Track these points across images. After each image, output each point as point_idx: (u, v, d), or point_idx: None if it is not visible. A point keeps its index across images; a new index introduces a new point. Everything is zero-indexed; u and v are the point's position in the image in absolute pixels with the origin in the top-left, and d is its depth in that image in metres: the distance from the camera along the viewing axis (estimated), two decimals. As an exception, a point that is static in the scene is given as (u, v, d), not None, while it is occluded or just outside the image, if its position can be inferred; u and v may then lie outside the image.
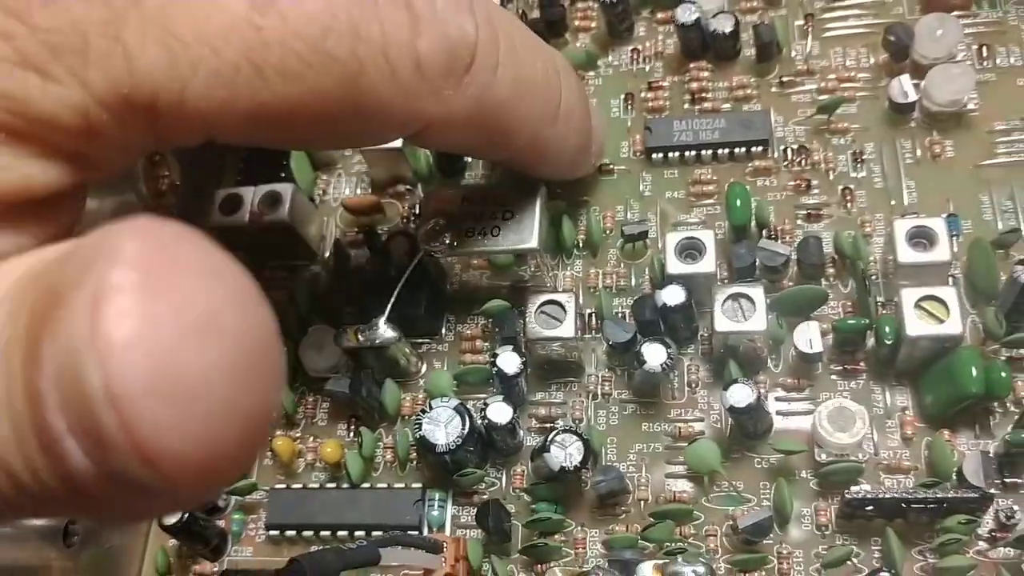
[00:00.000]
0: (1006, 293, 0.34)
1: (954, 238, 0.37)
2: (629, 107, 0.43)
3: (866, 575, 0.31)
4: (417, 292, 0.38)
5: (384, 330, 0.36)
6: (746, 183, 0.39)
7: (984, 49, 0.41)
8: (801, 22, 0.43)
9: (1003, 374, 0.33)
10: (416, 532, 0.35)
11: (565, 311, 0.36)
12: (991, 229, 0.37)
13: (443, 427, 0.35)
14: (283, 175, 0.42)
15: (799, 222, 0.39)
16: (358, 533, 0.36)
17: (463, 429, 0.34)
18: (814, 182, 0.39)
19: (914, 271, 0.34)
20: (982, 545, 0.33)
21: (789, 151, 0.40)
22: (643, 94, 0.43)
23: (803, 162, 0.40)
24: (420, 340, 0.39)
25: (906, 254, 0.34)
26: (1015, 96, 0.39)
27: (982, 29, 0.41)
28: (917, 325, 0.33)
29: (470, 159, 0.42)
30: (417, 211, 0.42)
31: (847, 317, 0.36)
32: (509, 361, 0.35)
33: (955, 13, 0.41)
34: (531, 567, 0.35)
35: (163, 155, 0.41)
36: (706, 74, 0.42)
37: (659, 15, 0.44)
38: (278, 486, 0.38)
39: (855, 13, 0.43)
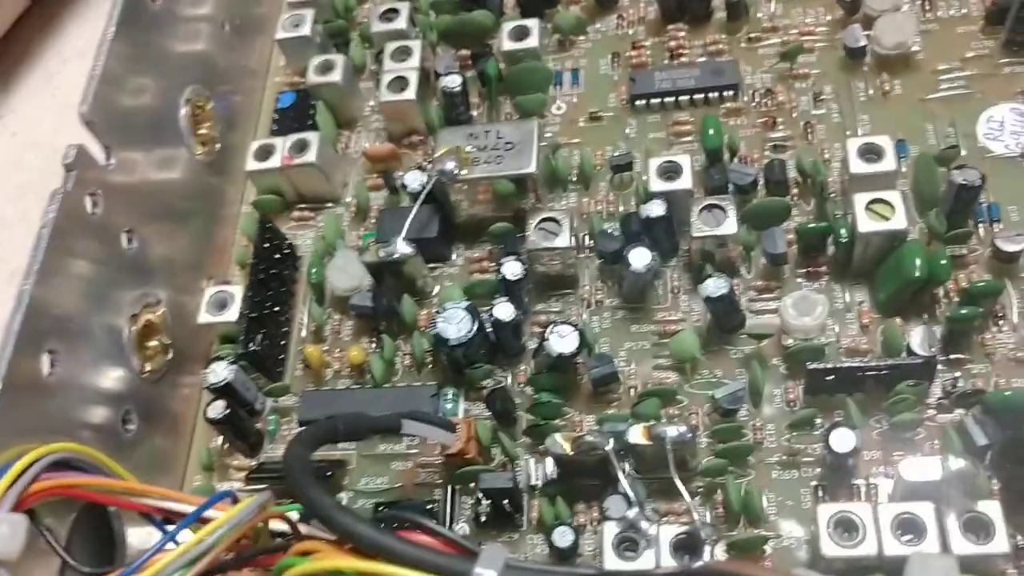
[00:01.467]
0: (945, 196, 0.39)
1: (902, 160, 0.42)
2: (615, 65, 0.48)
3: (825, 428, 0.36)
4: (430, 221, 0.43)
5: (402, 246, 0.41)
6: (721, 122, 0.44)
7: (928, 2, 0.46)
8: (767, -14, 0.48)
9: (943, 261, 0.37)
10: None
11: (561, 225, 0.41)
12: (933, 151, 0.42)
13: (455, 324, 0.39)
14: (310, 125, 0.48)
15: (767, 153, 0.44)
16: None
17: (472, 325, 0.39)
18: (779, 120, 0.44)
19: (865, 180, 0.39)
20: (931, 412, 0.37)
21: (757, 94, 0.45)
22: (628, 53, 0.48)
23: (769, 103, 0.45)
24: (433, 264, 0.44)
25: (857, 166, 0.39)
26: (955, 42, 0.45)
27: (926, -14, 0.47)
28: (868, 223, 0.38)
29: (475, 112, 0.48)
30: (431, 155, 0.47)
31: (808, 222, 0.40)
32: (512, 268, 0.40)
33: (901, -25, 0.47)
34: (534, 447, 0.39)
35: (204, 109, 0.46)
36: (683, 34, 0.48)
37: (640, -18, 0.50)
38: (309, 389, 0.42)
39: (815, -23, 0.48)
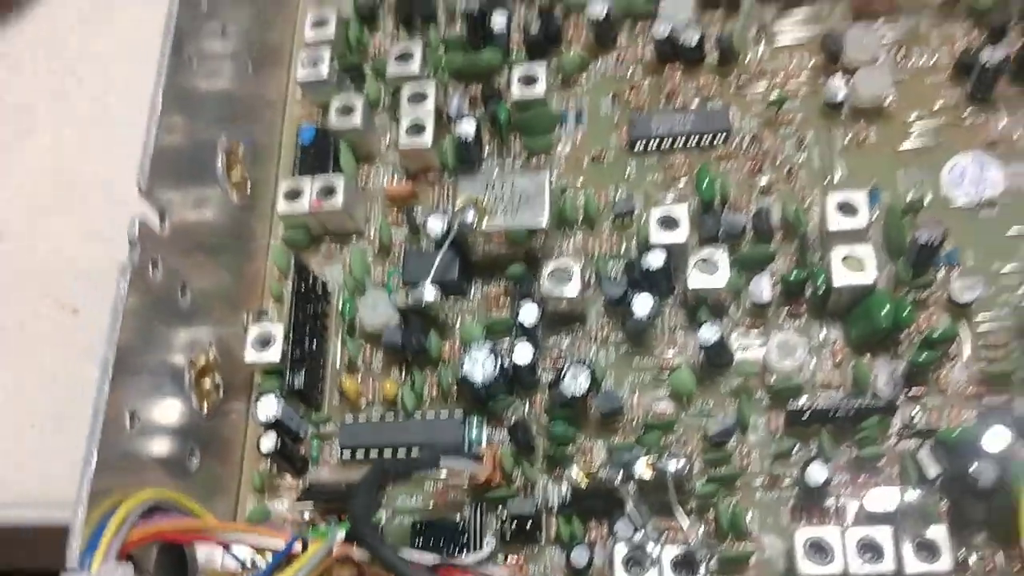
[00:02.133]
0: (911, 248, 0.44)
1: (875, 206, 0.47)
2: (615, 105, 0.52)
3: (801, 460, 0.42)
4: (451, 263, 0.48)
5: (429, 293, 0.46)
6: (711, 166, 0.49)
7: (900, 52, 0.50)
8: (755, 32, 0.52)
9: (908, 309, 0.43)
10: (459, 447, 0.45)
11: (571, 274, 0.46)
12: (903, 198, 0.47)
13: (479, 366, 0.44)
14: (333, 167, 0.52)
15: (754, 196, 0.49)
16: (413, 452, 0.46)
17: (495, 366, 0.44)
18: (765, 165, 0.49)
19: (841, 235, 0.44)
20: (893, 440, 0.43)
21: (746, 139, 0.50)
22: (626, 94, 0.52)
23: (757, 149, 0.50)
24: (453, 297, 0.49)
25: (834, 223, 0.44)
26: (924, 92, 0.49)
27: (899, 34, 0.51)
28: (842, 276, 0.43)
29: (487, 149, 0.52)
30: (447, 193, 0.51)
31: (791, 271, 0.45)
32: (529, 313, 0.45)
33: (878, 20, 0.51)
34: (551, 471, 0.45)
35: (237, 155, 0.50)
36: (678, 76, 0.52)
37: (639, 23, 0.53)
38: (347, 418, 0.47)
39: (799, 23, 0.52)
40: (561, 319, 0.47)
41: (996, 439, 0.39)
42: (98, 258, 0.55)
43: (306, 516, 0.46)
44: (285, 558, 0.37)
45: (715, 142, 0.50)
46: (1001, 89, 0.48)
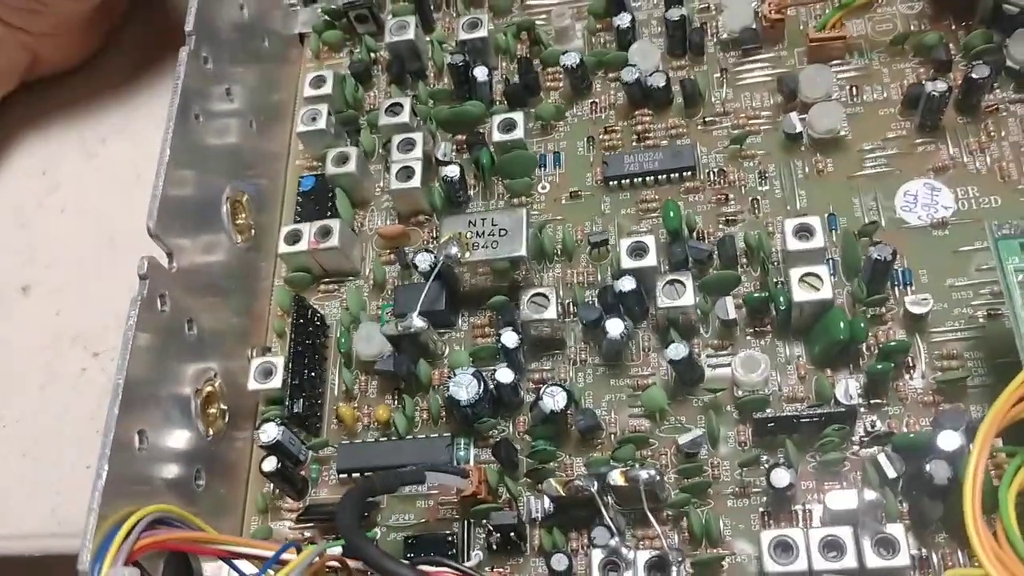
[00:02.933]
0: (865, 267, 0.47)
1: (833, 231, 0.50)
2: (591, 147, 0.56)
3: (767, 467, 0.44)
4: (438, 295, 0.51)
5: (417, 321, 0.49)
6: (680, 199, 0.53)
7: (855, 88, 0.54)
8: (719, 74, 0.56)
9: (862, 324, 0.46)
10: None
11: (548, 300, 0.49)
12: (860, 223, 0.50)
13: (464, 388, 0.47)
14: (330, 212, 0.56)
15: (720, 226, 0.52)
16: (410, 468, 0.48)
17: (479, 388, 0.47)
18: (731, 196, 0.53)
19: (799, 256, 0.47)
20: (855, 448, 0.45)
21: (712, 173, 0.53)
22: (601, 136, 0.56)
23: (722, 181, 0.53)
24: (442, 329, 0.52)
25: (792, 244, 0.48)
26: (877, 123, 0.53)
27: (853, 73, 0.54)
28: (801, 294, 0.46)
29: (472, 192, 0.56)
30: (436, 234, 0.55)
31: (752, 292, 0.48)
32: (509, 338, 0.48)
33: (832, 62, 0.55)
34: (534, 486, 0.48)
35: (241, 202, 0.54)
36: (648, 118, 0.56)
37: (610, 74, 0.57)
38: (344, 442, 0.50)
39: (759, 66, 0.56)
40: (542, 344, 0.51)
41: (949, 440, 0.42)
42: (120, 305, 0.59)
43: (306, 535, 0.49)
44: (277, 562, 0.39)
45: (683, 176, 0.53)
46: (948, 118, 0.51)
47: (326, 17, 0.63)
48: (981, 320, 0.47)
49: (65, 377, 0.60)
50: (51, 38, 0.67)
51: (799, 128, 0.52)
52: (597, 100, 0.57)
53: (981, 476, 0.36)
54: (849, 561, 0.41)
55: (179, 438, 0.46)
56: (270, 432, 0.48)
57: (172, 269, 0.47)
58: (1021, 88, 0.51)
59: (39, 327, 0.62)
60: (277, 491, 0.50)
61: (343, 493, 0.43)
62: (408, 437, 0.50)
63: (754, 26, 0.56)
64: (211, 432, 0.48)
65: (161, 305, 0.46)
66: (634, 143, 0.55)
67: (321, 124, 0.57)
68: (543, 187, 0.55)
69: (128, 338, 0.43)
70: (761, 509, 0.45)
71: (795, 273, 0.46)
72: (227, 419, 0.50)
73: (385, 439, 0.50)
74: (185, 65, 0.50)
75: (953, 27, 0.54)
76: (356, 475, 0.49)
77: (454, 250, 0.50)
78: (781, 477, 0.43)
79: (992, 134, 0.51)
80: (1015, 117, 0.51)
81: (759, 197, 0.52)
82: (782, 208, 0.52)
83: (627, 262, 0.49)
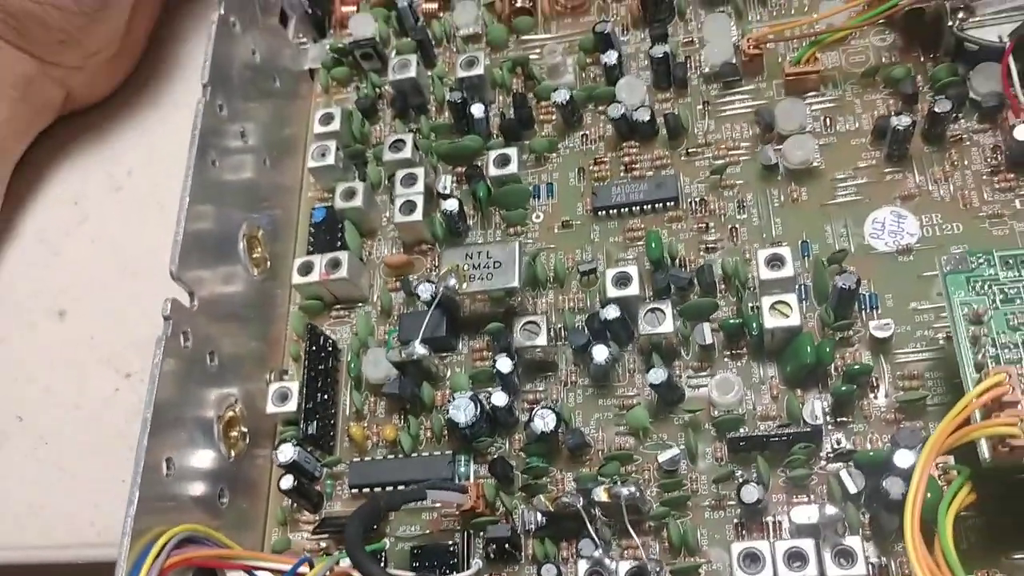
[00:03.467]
0: (832, 294, 0.51)
1: (806, 257, 0.54)
2: (581, 177, 0.60)
3: (738, 483, 0.48)
4: (439, 322, 0.55)
5: (419, 348, 0.54)
6: (664, 228, 0.56)
7: (828, 119, 0.57)
8: (701, 106, 0.60)
9: (828, 349, 0.49)
10: (450, 483, 0.53)
11: (540, 327, 0.53)
12: (832, 250, 0.54)
13: (462, 411, 0.52)
14: (339, 243, 0.60)
15: (701, 253, 0.56)
16: (412, 487, 0.53)
17: (476, 411, 0.52)
18: (711, 224, 0.56)
19: (771, 284, 0.51)
20: (823, 463, 0.49)
21: (693, 203, 0.57)
22: (591, 167, 0.60)
23: (703, 210, 0.57)
24: (444, 353, 0.57)
25: (764, 273, 0.51)
26: (849, 152, 0.56)
27: (828, 104, 0.58)
28: (771, 320, 0.50)
29: (471, 222, 0.60)
30: (437, 263, 0.59)
31: (728, 318, 0.52)
32: (504, 363, 0.52)
33: (808, 93, 0.58)
34: (528, 500, 0.52)
35: (257, 237, 0.59)
36: (634, 150, 0.59)
37: (600, 107, 0.61)
38: (355, 459, 0.55)
39: (739, 98, 0.59)
40: (536, 367, 0.55)
41: (904, 458, 0.45)
42: (148, 329, 0.64)
43: (322, 545, 0.54)
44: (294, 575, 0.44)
45: (667, 206, 0.57)
46: (916, 148, 0.55)
47: (334, 55, 0.67)
48: (941, 342, 0.50)
49: (99, 397, 0.65)
50: (81, 72, 0.71)
51: (774, 160, 0.56)
52: (587, 132, 0.61)
53: (920, 499, 0.39)
54: (811, 571, 0.45)
55: (204, 461, 0.51)
56: (287, 452, 0.53)
57: (193, 307, 0.51)
58: (983, 119, 0.54)
59: (74, 350, 0.67)
60: (295, 505, 0.55)
61: (352, 512, 0.48)
62: (413, 455, 0.54)
63: (734, 60, 0.59)
64: (233, 454, 0.53)
65: (184, 341, 0.50)
66: (622, 173, 0.59)
67: (330, 160, 0.61)
68: (537, 216, 0.59)
69: (155, 375, 0.48)
70: (735, 520, 0.49)
71: (767, 301, 0.50)
72: (248, 440, 0.54)
73: (392, 456, 0.55)
74: (201, 116, 0.55)
75: (922, 59, 0.57)
76: (367, 490, 0.54)
77: (452, 281, 0.54)
78: (750, 493, 0.47)
79: (956, 163, 0.54)
80: (978, 147, 0.54)
81: (737, 225, 0.56)
82: (759, 236, 0.55)
83: (612, 291, 0.53)
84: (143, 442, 0.46)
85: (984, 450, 0.41)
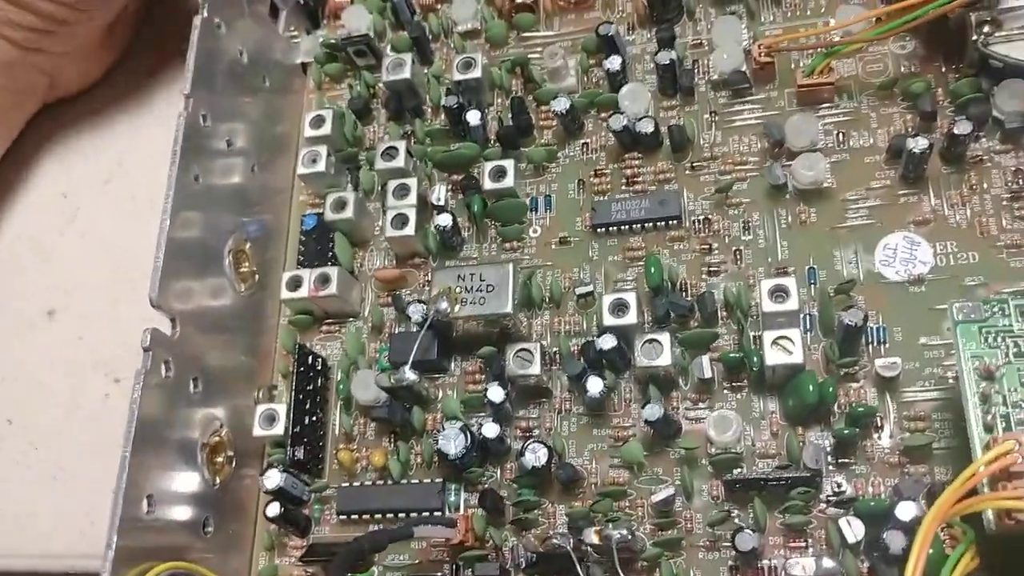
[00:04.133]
0: (838, 329, 0.48)
1: (812, 285, 0.51)
2: (581, 190, 0.57)
3: (733, 529, 0.47)
4: (431, 345, 0.54)
5: (409, 374, 0.52)
6: (665, 247, 0.54)
7: (841, 135, 0.54)
8: (708, 116, 0.57)
9: (831, 388, 0.47)
10: (439, 513, 0.51)
11: (533, 355, 0.51)
12: (841, 277, 0.51)
13: (452, 442, 0.50)
14: (331, 255, 0.58)
15: (704, 276, 0.53)
16: (400, 515, 0.52)
17: (466, 442, 0.50)
18: (715, 246, 0.54)
19: (773, 316, 0.49)
20: (822, 506, 0.48)
21: (697, 222, 0.55)
22: (591, 180, 0.57)
23: (706, 230, 0.54)
24: (435, 374, 0.55)
25: (767, 305, 0.49)
26: (862, 171, 0.53)
27: (841, 117, 0.55)
28: (773, 357, 0.48)
29: (466, 236, 0.57)
30: (431, 277, 0.57)
31: (728, 351, 0.50)
32: (496, 393, 0.51)
33: (821, 105, 0.55)
34: (519, 533, 0.51)
35: (244, 251, 0.57)
36: (637, 162, 0.57)
37: (602, 114, 0.58)
38: (343, 484, 0.54)
39: (748, 108, 0.56)
40: (529, 393, 0.53)
41: (906, 510, 0.44)
42: (140, 329, 0.63)
43: (309, 571, 0.53)
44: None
45: (669, 225, 0.54)
46: (933, 168, 0.52)
47: (327, 50, 0.64)
48: (951, 381, 0.48)
49: (90, 403, 0.64)
50: (68, 58, 0.69)
51: (783, 179, 0.53)
52: (588, 141, 0.58)
53: (921, 570, 0.38)
54: (806, 623, 0.44)
55: (188, 490, 0.50)
56: (273, 479, 0.52)
57: (175, 335, 0.50)
58: (1006, 139, 0.51)
59: (64, 352, 0.65)
60: (282, 530, 0.54)
61: (337, 554, 0.46)
62: (403, 481, 0.53)
63: (744, 67, 0.56)
64: (218, 480, 0.52)
65: (166, 372, 0.49)
66: (623, 187, 0.56)
67: (321, 166, 0.59)
68: (534, 231, 0.57)
69: (133, 411, 0.46)
70: (730, 563, 0.48)
71: (768, 336, 0.48)
72: (234, 464, 0.53)
73: (381, 482, 0.53)
74: (182, 130, 0.52)
75: (943, 69, 0.54)
76: (355, 516, 0.53)
77: (444, 305, 0.52)
78: (746, 541, 0.46)
79: (974, 186, 0.51)
80: (999, 168, 0.51)
81: (742, 248, 0.53)
82: (764, 259, 0.53)
83: (609, 319, 0.51)
84: (122, 480, 0.45)
85: (990, 521, 0.39)
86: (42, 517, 0.62)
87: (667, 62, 0.56)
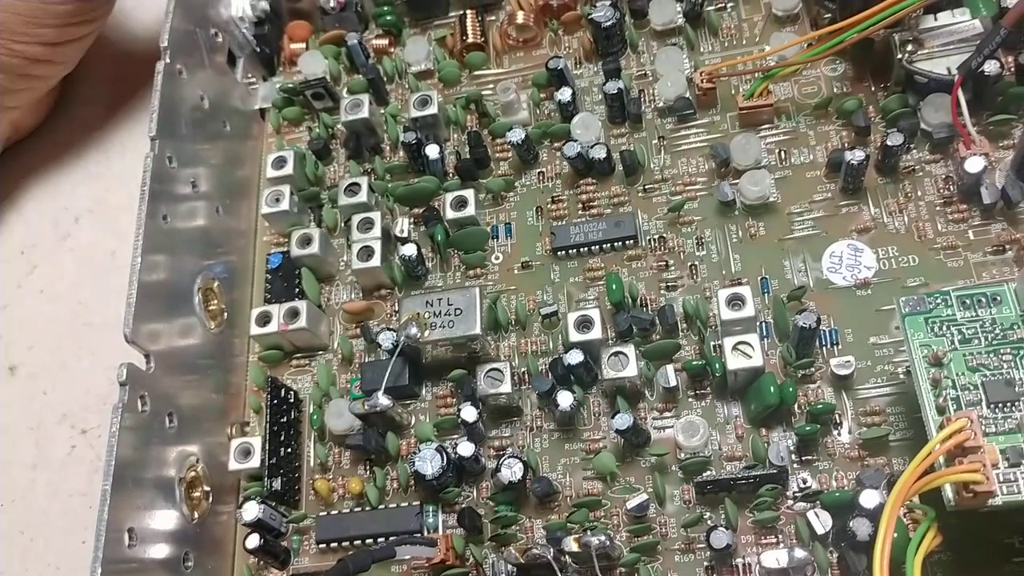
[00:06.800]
0: (793, 333, 0.51)
1: (765, 294, 0.54)
2: (540, 216, 0.59)
3: (709, 525, 0.48)
4: (402, 371, 0.55)
5: (383, 400, 0.53)
6: (624, 266, 0.56)
7: (783, 152, 0.57)
8: (657, 141, 0.60)
9: (791, 389, 0.49)
10: (418, 534, 0.52)
11: (503, 375, 0.53)
12: (792, 285, 0.54)
13: (428, 462, 0.51)
14: (298, 291, 0.59)
15: (662, 292, 0.56)
16: (380, 540, 0.52)
17: (442, 462, 0.51)
18: (671, 262, 0.56)
19: (732, 324, 0.51)
20: (790, 503, 0.49)
21: (652, 241, 0.57)
22: (549, 206, 0.59)
23: (662, 248, 0.57)
24: (408, 400, 0.56)
25: (725, 313, 0.51)
26: (804, 186, 0.56)
27: (782, 136, 0.58)
28: (734, 361, 0.50)
29: (430, 267, 0.59)
30: (398, 307, 0.58)
31: (691, 360, 0.52)
32: (469, 413, 0.52)
33: (762, 126, 0.58)
34: (498, 549, 0.51)
35: (212, 289, 0.58)
36: (592, 187, 0.59)
37: (555, 144, 0.61)
38: (321, 513, 0.54)
39: (694, 132, 0.59)
40: (501, 412, 0.54)
41: (870, 498, 0.46)
42: (102, 384, 0.63)
43: (290, 602, 0.53)
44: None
45: (626, 245, 0.57)
46: (870, 179, 0.55)
47: (284, 94, 0.66)
48: (901, 376, 0.51)
49: (56, 455, 0.63)
50: (28, 106, 0.69)
51: (731, 196, 0.56)
52: (544, 170, 0.61)
53: (888, 549, 0.39)
54: (781, 612, 0.45)
55: (167, 527, 0.50)
56: (251, 511, 0.52)
57: (150, 370, 0.50)
58: (935, 149, 0.55)
59: (27, 407, 0.65)
60: (262, 562, 0.54)
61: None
62: (380, 507, 0.54)
63: (688, 94, 0.59)
64: (196, 515, 0.52)
65: (142, 406, 0.49)
66: (580, 211, 0.59)
67: (284, 205, 0.60)
68: (496, 258, 0.59)
69: (112, 445, 0.46)
70: (706, 563, 0.49)
71: (728, 342, 0.50)
72: (211, 499, 0.53)
73: (360, 509, 0.54)
74: (151, 172, 0.53)
75: (873, 88, 0.58)
76: (335, 544, 0.53)
77: (413, 330, 0.53)
78: (720, 538, 0.47)
79: (909, 195, 0.55)
80: (931, 176, 0.55)
81: (697, 263, 0.56)
82: (718, 273, 0.55)
83: (574, 335, 0.52)
84: (103, 515, 0.45)
85: (949, 495, 0.41)
86: (14, 571, 0.61)
87: (614, 92, 0.59)
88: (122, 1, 0.73)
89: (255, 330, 0.57)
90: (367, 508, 0.54)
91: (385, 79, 0.66)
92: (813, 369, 0.52)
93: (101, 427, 0.62)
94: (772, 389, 0.49)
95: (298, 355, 0.59)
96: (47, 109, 0.73)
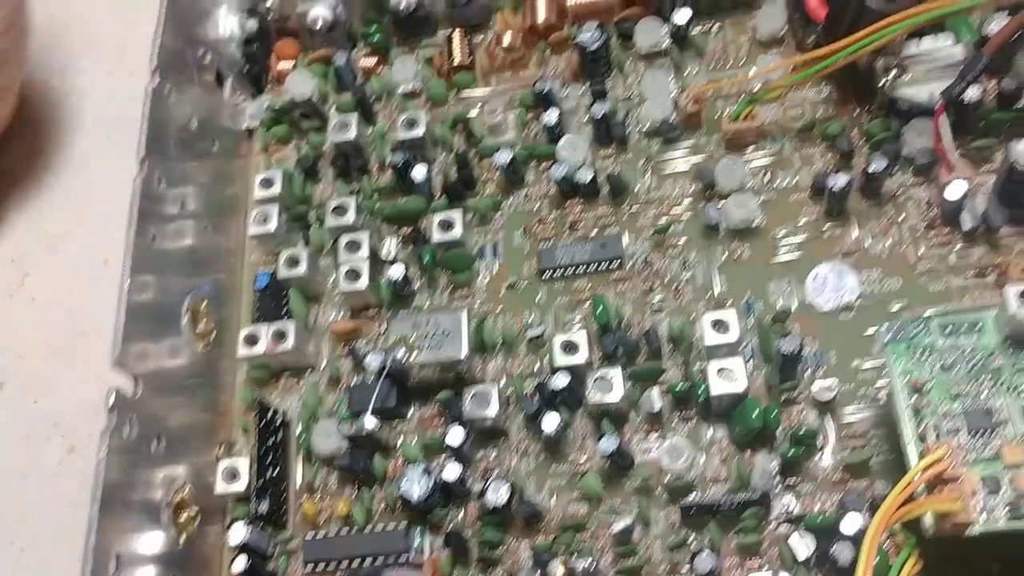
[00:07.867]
0: (776, 357, 0.51)
1: (750, 317, 0.54)
2: (526, 237, 0.60)
3: (691, 552, 0.49)
4: (389, 392, 0.55)
5: (370, 422, 0.53)
6: (610, 288, 0.57)
7: (768, 175, 0.58)
8: (643, 163, 0.60)
9: (774, 413, 0.50)
10: (406, 556, 0.52)
11: (490, 397, 0.53)
12: (776, 307, 0.54)
13: (416, 484, 0.52)
14: (285, 311, 0.59)
15: (648, 314, 0.56)
16: (367, 561, 0.53)
17: (430, 484, 0.51)
18: (656, 284, 0.57)
19: (716, 348, 0.52)
20: (773, 526, 0.50)
21: (638, 263, 0.57)
22: (535, 227, 0.60)
23: (648, 270, 0.57)
24: (395, 420, 0.56)
25: (710, 338, 0.52)
26: (789, 209, 0.57)
27: (767, 159, 0.58)
28: (718, 386, 0.50)
29: (417, 286, 0.59)
30: (386, 327, 0.59)
31: (676, 383, 0.53)
32: (455, 436, 0.52)
33: (748, 148, 0.59)
34: (484, 571, 0.52)
35: (200, 310, 0.58)
36: (578, 208, 0.59)
37: (542, 164, 0.61)
38: (309, 535, 0.54)
39: (680, 154, 0.60)
40: (487, 434, 0.55)
41: (852, 522, 0.46)
42: (93, 395, 0.63)
43: (277, 624, 0.54)
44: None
45: (611, 267, 0.57)
46: (854, 203, 0.56)
47: (272, 114, 0.66)
48: (884, 399, 0.51)
49: (46, 466, 0.63)
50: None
51: (716, 219, 0.56)
52: (530, 191, 0.61)
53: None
54: (761, 634, 0.46)
55: (154, 549, 0.50)
56: (238, 533, 0.52)
57: (138, 394, 0.51)
58: (918, 173, 0.56)
59: (18, 417, 0.65)
60: (249, 585, 0.54)
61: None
62: (368, 528, 0.54)
63: (673, 117, 0.59)
64: (184, 537, 0.52)
65: (130, 430, 0.49)
66: (566, 232, 0.59)
67: (271, 226, 0.61)
68: (483, 278, 0.59)
69: (100, 471, 0.47)
70: (692, 586, 0.50)
71: (713, 366, 0.51)
72: (198, 520, 0.54)
73: (347, 530, 0.54)
74: (139, 193, 0.53)
75: (857, 112, 0.58)
76: (323, 564, 0.54)
77: (400, 353, 0.54)
78: (704, 562, 0.48)
79: (892, 218, 0.55)
80: (914, 200, 0.55)
81: (681, 285, 0.56)
82: (703, 295, 0.56)
83: (560, 359, 0.53)
84: (90, 539, 0.45)
85: (927, 523, 0.42)
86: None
87: (600, 115, 0.59)
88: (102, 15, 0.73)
89: (243, 351, 0.58)
90: (355, 530, 0.54)
91: (373, 99, 0.66)
92: (796, 393, 0.52)
93: (92, 436, 0.62)
94: (756, 414, 0.50)
95: (286, 375, 0.59)
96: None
